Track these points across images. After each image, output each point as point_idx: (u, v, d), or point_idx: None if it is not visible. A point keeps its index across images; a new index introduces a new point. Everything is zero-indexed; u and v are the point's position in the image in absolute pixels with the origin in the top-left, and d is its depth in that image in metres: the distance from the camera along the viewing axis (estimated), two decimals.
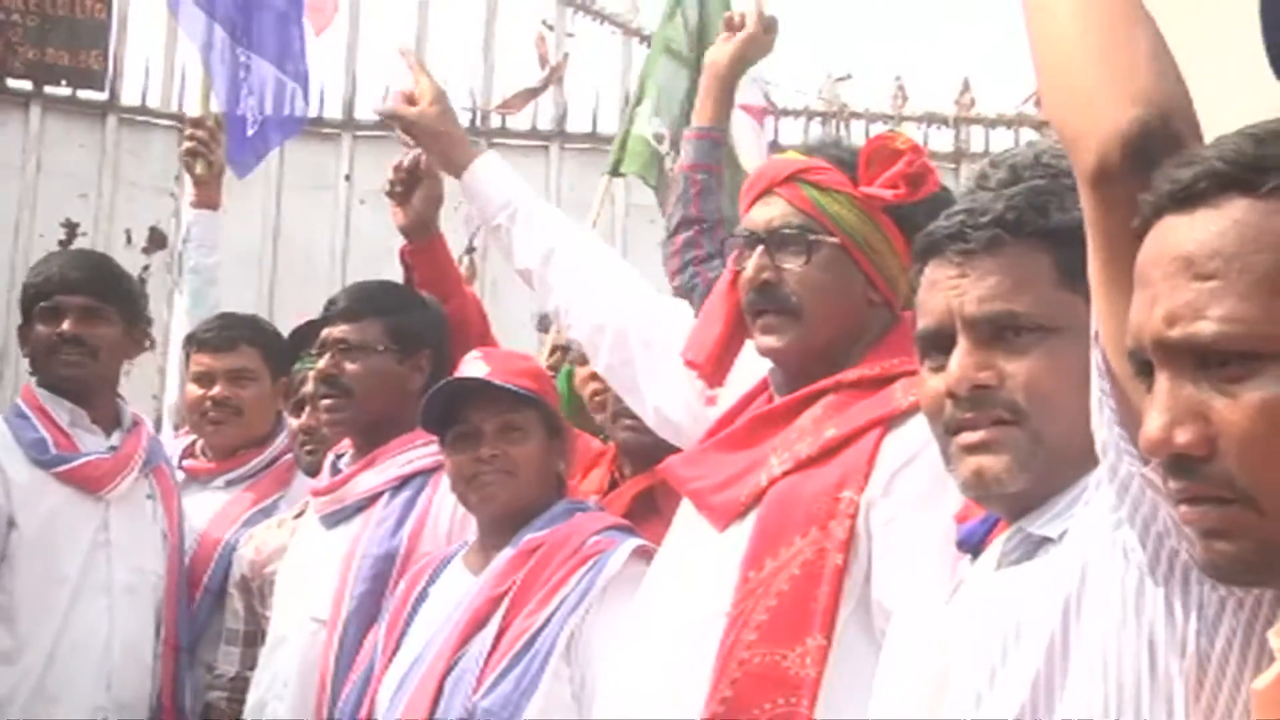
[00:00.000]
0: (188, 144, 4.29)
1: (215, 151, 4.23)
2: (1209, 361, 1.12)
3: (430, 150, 3.13)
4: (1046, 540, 1.53)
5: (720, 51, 3.08)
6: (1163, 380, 1.15)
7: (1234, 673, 1.23)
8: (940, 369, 1.63)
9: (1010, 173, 1.80)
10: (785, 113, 6.22)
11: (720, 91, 3.06)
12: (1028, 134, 5.99)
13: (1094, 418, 1.31)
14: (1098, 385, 1.31)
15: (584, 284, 2.80)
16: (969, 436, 1.60)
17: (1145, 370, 1.18)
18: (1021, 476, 1.57)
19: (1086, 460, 1.46)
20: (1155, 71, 1.29)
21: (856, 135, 6.09)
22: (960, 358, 1.61)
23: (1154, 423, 1.14)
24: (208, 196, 4.23)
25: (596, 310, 2.77)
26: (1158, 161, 1.23)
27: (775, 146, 5.70)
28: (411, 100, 3.04)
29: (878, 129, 6.02)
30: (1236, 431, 1.10)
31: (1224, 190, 1.13)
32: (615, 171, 4.72)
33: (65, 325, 3.33)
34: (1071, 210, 1.57)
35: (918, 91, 6.16)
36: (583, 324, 2.80)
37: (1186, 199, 1.15)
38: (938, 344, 1.64)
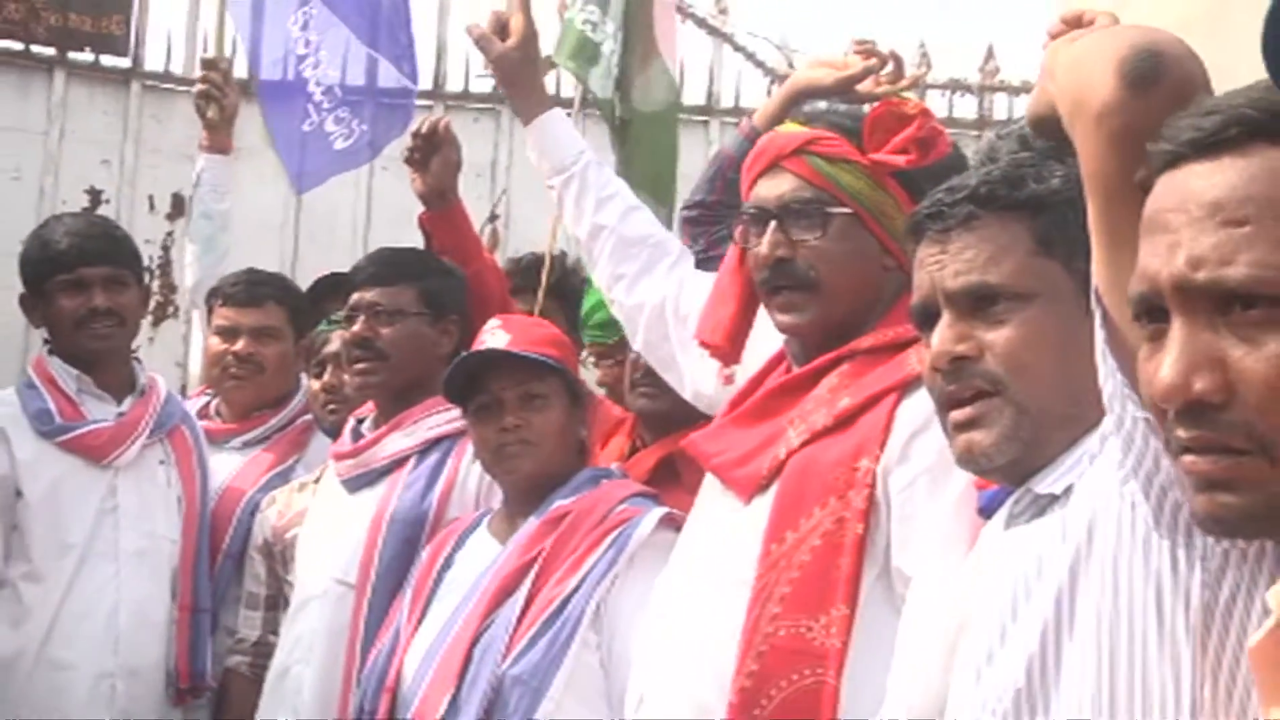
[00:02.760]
0: (200, 87, 4.26)
1: (228, 95, 4.19)
2: (1230, 308, 1.11)
3: (507, 89, 3.10)
4: (1053, 498, 1.55)
5: (810, 77, 3.07)
6: (1179, 326, 1.14)
7: (1239, 624, 1.23)
8: (927, 346, 1.67)
9: (1020, 144, 1.81)
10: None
11: (787, 105, 3.03)
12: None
13: (1099, 369, 1.32)
14: (1100, 336, 1.32)
15: (626, 264, 2.81)
16: (957, 414, 1.64)
17: (1152, 316, 1.17)
18: (1009, 448, 1.60)
19: (1077, 421, 1.51)
20: (1140, 29, 1.32)
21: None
22: (941, 331, 1.64)
23: (1169, 369, 1.13)
24: (219, 141, 4.19)
25: (637, 291, 2.78)
26: (1157, 81, 1.26)
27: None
28: (503, 31, 2.99)
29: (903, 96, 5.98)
30: (1259, 379, 1.10)
31: (1253, 138, 1.13)
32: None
33: (97, 299, 3.32)
34: (1050, 180, 1.65)
35: (942, 58, 6.10)
36: (625, 302, 2.82)
37: (1212, 146, 1.14)
38: (927, 320, 1.67)
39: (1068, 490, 1.51)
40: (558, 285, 3.79)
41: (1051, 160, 1.65)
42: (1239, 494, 1.12)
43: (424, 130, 3.43)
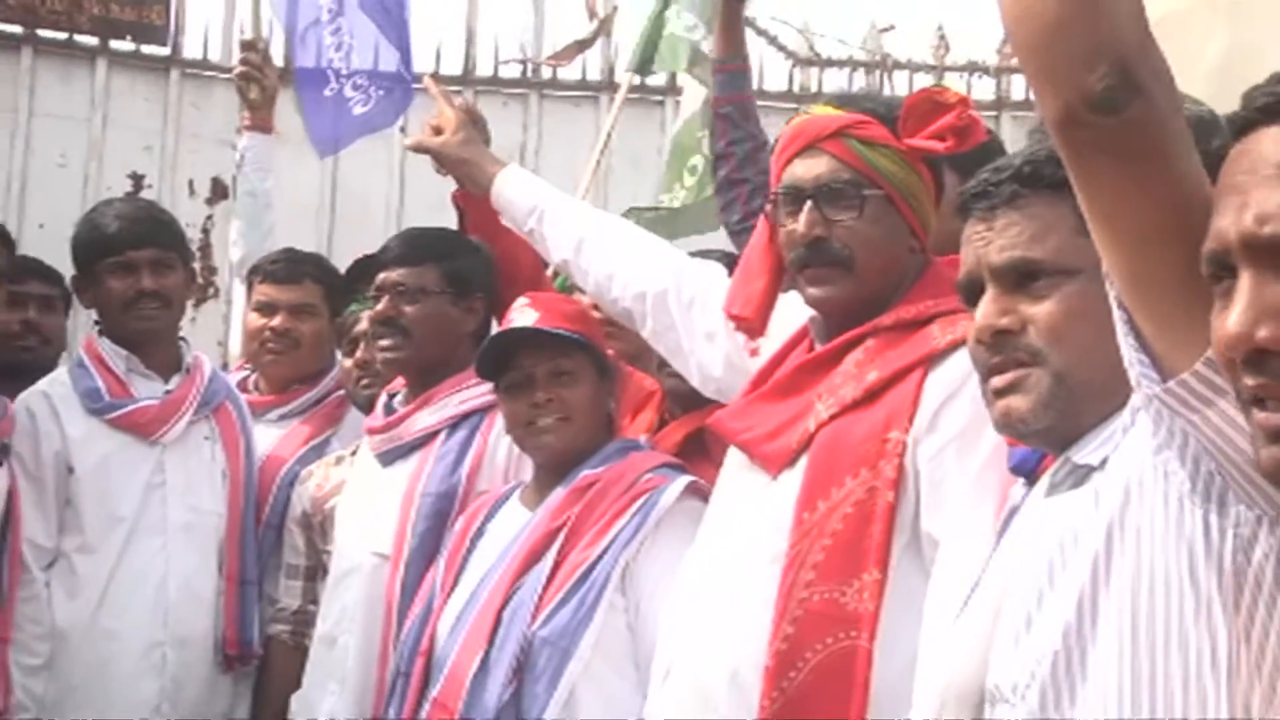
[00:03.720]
0: (240, 69, 4.29)
1: (268, 76, 4.21)
2: None
3: (456, 175, 3.16)
4: (1091, 468, 1.54)
5: None
6: (1246, 279, 1.15)
7: (1270, 587, 1.24)
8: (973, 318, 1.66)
9: (1034, 133, 1.79)
10: (829, 63, 6.17)
11: (728, 21, 3.05)
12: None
13: (1122, 351, 1.33)
14: (1117, 317, 1.33)
15: (618, 260, 2.80)
16: (997, 380, 1.63)
17: (1221, 274, 1.18)
18: (1046, 414, 1.60)
19: (1115, 392, 1.49)
20: (1118, 18, 1.28)
21: (900, 86, 6.06)
22: (985, 305, 1.64)
23: (1235, 319, 1.14)
24: (261, 120, 4.22)
25: (635, 281, 2.76)
26: (1121, 111, 1.24)
27: (817, 97, 5.69)
28: (438, 130, 3.10)
29: (921, 79, 5.99)
30: None
31: None
32: (642, 70, 4.69)
33: (145, 281, 3.35)
34: None
35: (959, 41, 6.09)
36: (625, 296, 2.79)
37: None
38: (972, 294, 1.68)
39: (1104, 461, 1.50)
40: None
41: None
42: None
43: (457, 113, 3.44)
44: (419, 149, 3.16)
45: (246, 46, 4.32)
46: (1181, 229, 1.24)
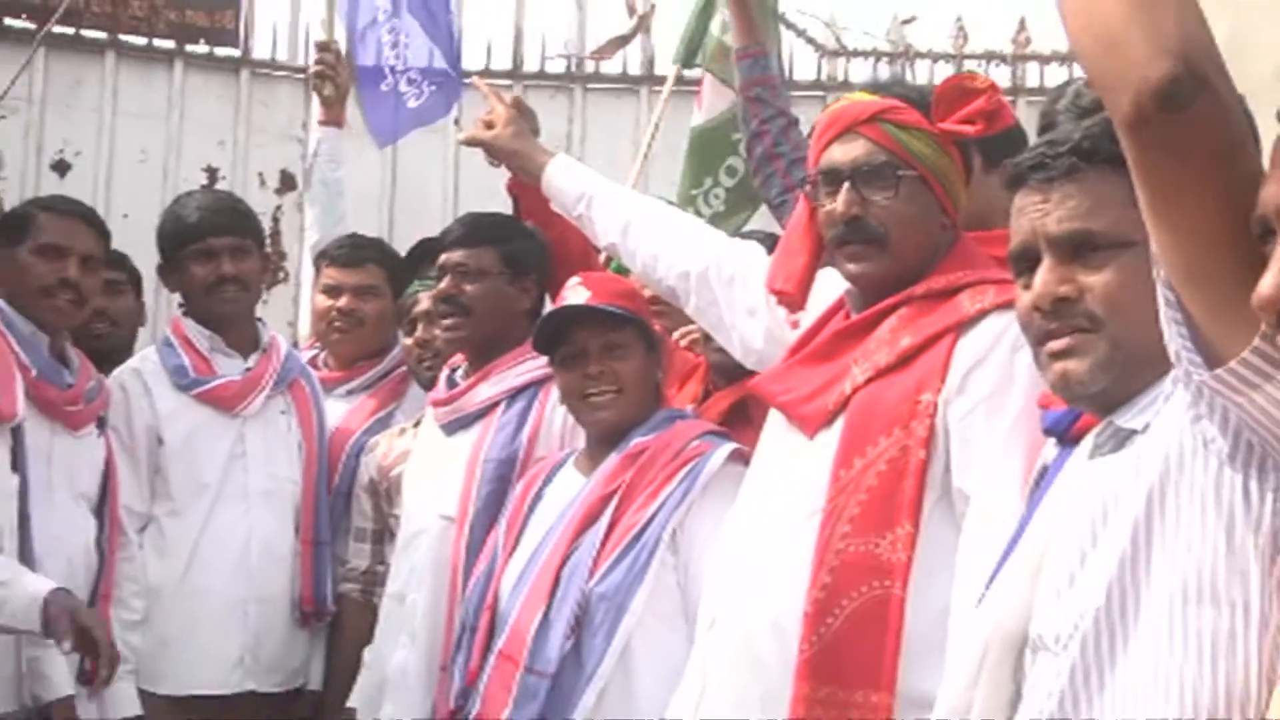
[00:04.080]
0: (315, 68, 4.31)
1: (340, 74, 4.22)
2: None
3: (509, 165, 3.15)
4: (1134, 432, 1.53)
5: None
6: None
7: None
8: (1029, 286, 1.63)
9: (1076, 99, 1.76)
10: (855, 53, 6.14)
11: (740, 11, 3.03)
12: (1079, 69, 5.87)
13: (1164, 330, 1.31)
14: (1163, 301, 1.31)
15: (663, 242, 2.79)
16: (1054, 344, 1.60)
17: (1266, 239, 1.17)
18: (1102, 378, 1.57)
19: (1163, 360, 1.44)
20: (1180, 19, 1.25)
21: (921, 74, 6.03)
22: (1044, 274, 1.61)
23: (1269, 281, 1.13)
24: (334, 115, 4.23)
25: (679, 261, 2.75)
26: (1187, 106, 1.21)
27: (844, 85, 5.66)
28: (490, 125, 3.08)
29: (941, 67, 5.96)
30: None
31: None
32: (687, 62, 4.70)
33: (225, 266, 3.37)
34: None
35: (977, 31, 6.05)
36: (670, 275, 2.77)
37: None
38: (1026, 262, 1.65)
39: (1146, 426, 1.49)
40: None
41: None
42: None
43: (509, 107, 3.43)
44: (472, 143, 3.16)
45: (321, 48, 4.32)
46: (1241, 222, 1.22)
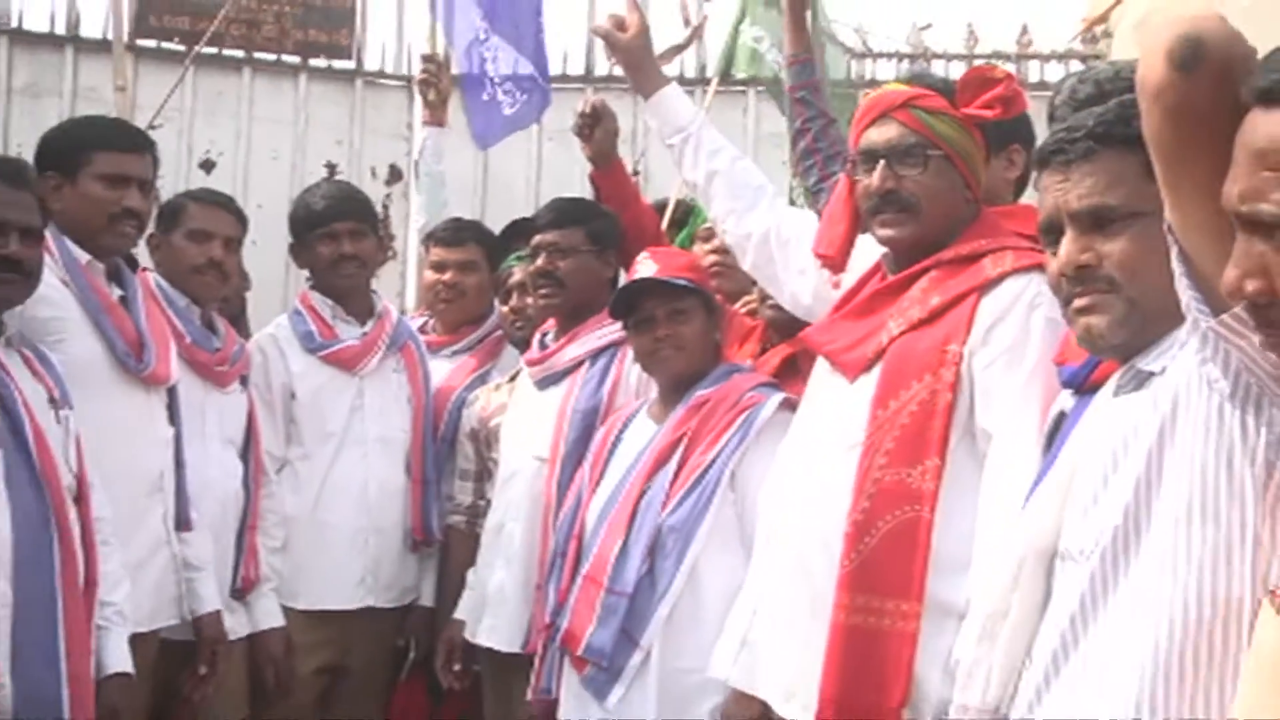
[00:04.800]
0: (421, 76, 4.29)
1: (443, 81, 4.21)
2: (1273, 232, 1.11)
3: (629, 72, 3.05)
4: (1152, 374, 1.53)
5: None
6: (1240, 239, 1.14)
7: None
8: (1056, 254, 1.64)
9: (1095, 87, 1.75)
10: (880, 55, 6.05)
11: (796, 22, 2.98)
12: (1075, 65, 5.79)
13: (1177, 283, 1.31)
14: (1175, 259, 1.30)
15: (737, 202, 2.78)
16: (1079, 302, 1.61)
17: (1256, 227, 1.15)
18: (1120, 331, 1.58)
19: (1176, 313, 1.44)
20: (1187, 14, 1.26)
21: (937, 72, 5.95)
22: (1067, 244, 1.61)
23: (1229, 274, 1.14)
24: (437, 117, 4.21)
25: (746, 224, 2.75)
26: (1193, 68, 1.22)
27: (873, 83, 5.59)
28: (621, 26, 2.97)
29: (955, 66, 5.88)
30: None
31: None
32: (726, 72, 4.67)
33: (346, 246, 3.37)
34: None
35: (985, 34, 5.96)
36: (736, 232, 2.79)
37: (1268, 98, 1.14)
38: (1053, 234, 1.65)
39: (1164, 370, 1.50)
40: (681, 219, 3.79)
41: None
42: None
43: (587, 110, 3.38)
44: (604, 35, 3.01)
45: (426, 59, 4.30)
46: None
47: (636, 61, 2.97)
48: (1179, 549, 1.34)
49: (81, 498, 2.46)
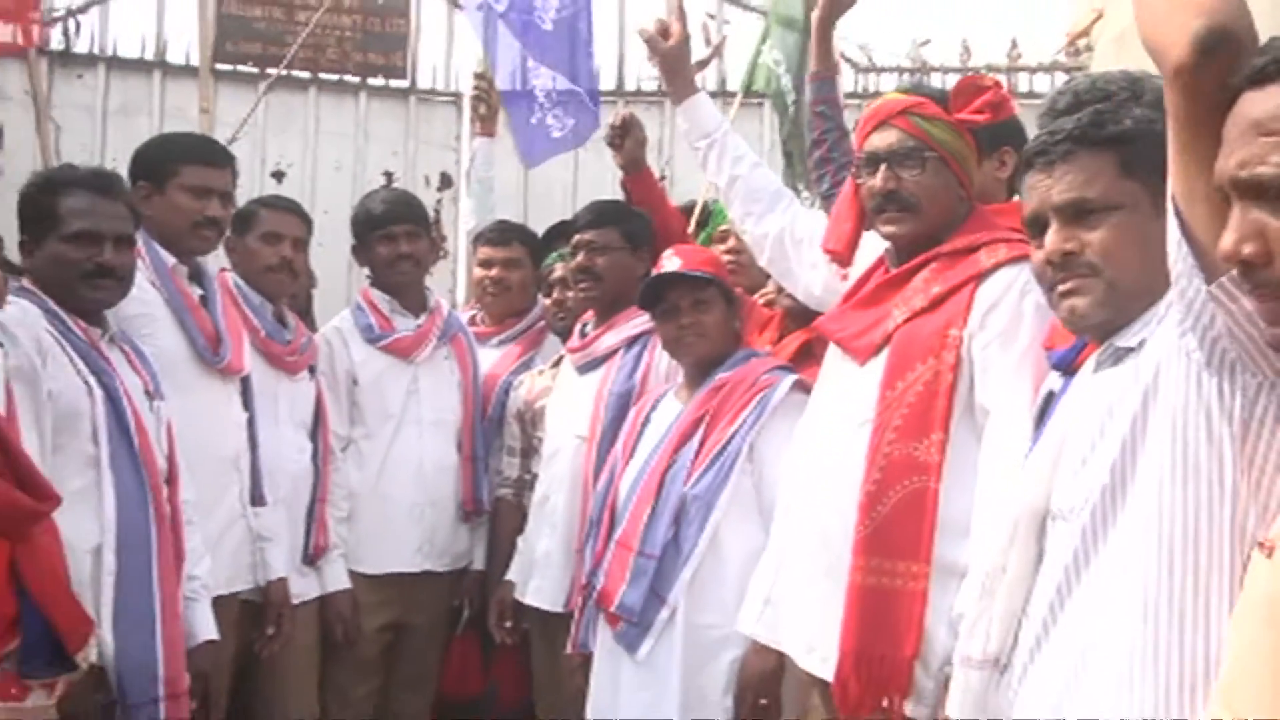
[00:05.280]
0: (473, 92, 4.29)
1: (493, 97, 4.20)
2: (1268, 195, 1.11)
3: (667, 76, 3.03)
4: (1129, 350, 1.53)
5: (817, 12, 2.95)
6: (1235, 209, 1.13)
7: (1268, 432, 1.25)
8: (1041, 245, 1.64)
9: (1074, 97, 1.73)
10: (882, 69, 6.00)
11: (822, 42, 2.95)
12: (1060, 76, 5.73)
13: (1171, 252, 1.29)
14: (1174, 227, 1.28)
15: (755, 205, 2.78)
16: (1063, 286, 1.61)
17: (1227, 202, 1.16)
18: (1101, 312, 1.57)
19: (1151, 296, 1.47)
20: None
21: (935, 84, 5.90)
22: (1052, 235, 1.61)
23: (1226, 238, 1.12)
24: (487, 128, 4.20)
25: (764, 223, 2.75)
26: (1219, 58, 1.20)
27: (874, 94, 5.55)
28: (665, 34, 2.96)
29: (951, 78, 5.82)
30: None
31: None
32: (748, 90, 4.64)
33: (402, 246, 3.36)
34: (1124, 121, 1.59)
35: (978, 49, 5.89)
36: (754, 232, 2.79)
37: (1260, 78, 1.14)
38: (1038, 228, 1.64)
39: (1141, 344, 1.49)
40: (703, 220, 3.77)
41: (1123, 107, 1.62)
42: None
43: (618, 122, 3.40)
44: (648, 40, 2.98)
45: (479, 77, 4.29)
46: None
47: (676, 67, 2.96)
48: (1163, 502, 1.33)
49: (171, 480, 2.48)
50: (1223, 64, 1.20)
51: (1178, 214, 1.27)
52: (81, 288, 2.39)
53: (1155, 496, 1.34)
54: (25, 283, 2.42)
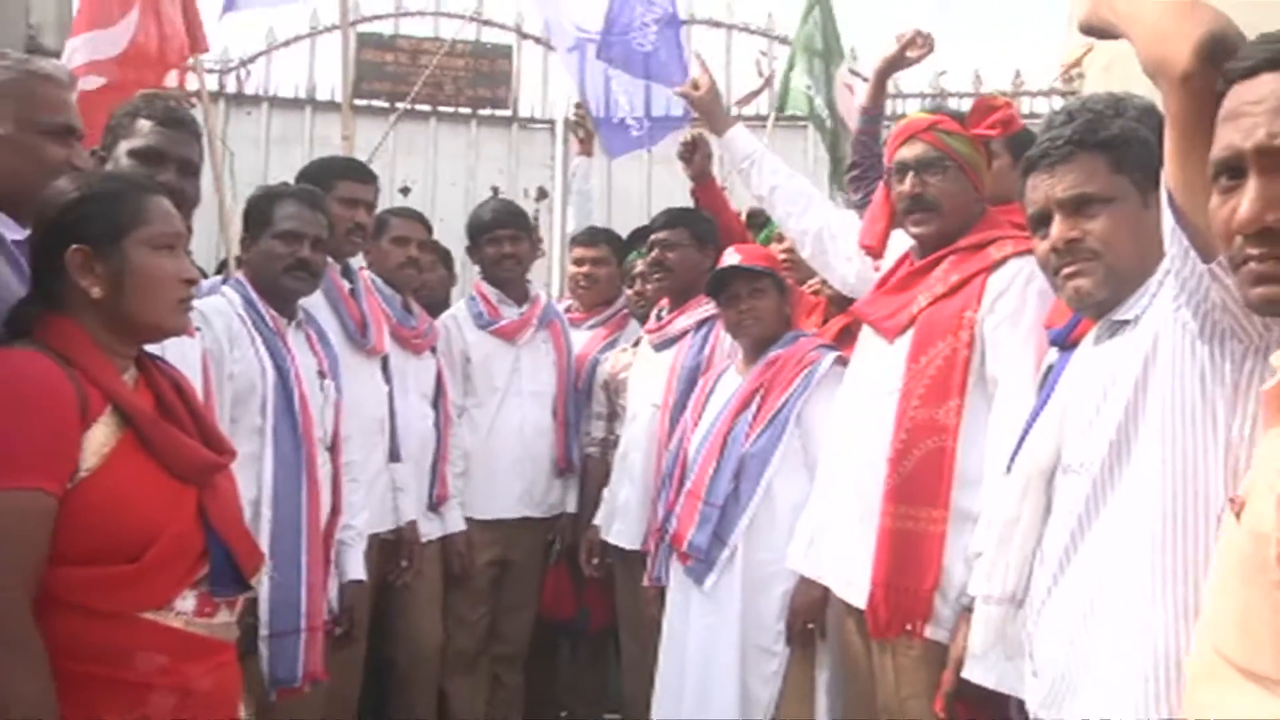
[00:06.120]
0: (574, 118, 4.31)
1: (587, 123, 4.20)
2: None
3: (703, 117, 3.04)
4: (1125, 323, 1.49)
5: (883, 57, 2.90)
6: (1255, 180, 1.06)
7: (1254, 391, 1.21)
8: (1045, 237, 1.61)
9: (1067, 115, 1.69)
10: (908, 95, 5.87)
11: (877, 87, 2.91)
12: (1057, 101, 5.57)
13: (1166, 237, 1.25)
14: (1168, 216, 1.24)
15: (794, 206, 2.74)
16: (1068, 270, 1.58)
17: (1231, 175, 1.09)
18: (1102, 291, 1.55)
19: (1141, 276, 1.45)
20: (1208, 11, 1.21)
21: (952, 106, 5.78)
22: (1057, 225, 1.58)
23: (1248, 206, 1.05)
24: (586, 149, 4.22)
25: (802, 221, 2.72)
26: (1219, 60, 1.15)
27: (900, 116, 5.44)
28: (696, 86, 2.98)
29: (964, 102, 5.69)
30: None
31: None
32: (781, 109, 4.58)
33: (507, 248, 3.37)
34: (1112, 128, 1.56)
35: (988, 77, 5.74)
36: (795, 229, 2.75)
37: (1268, 67, 1.08)
38: (1041, 222, 1.62)
39: (1136, 318, 1.46)
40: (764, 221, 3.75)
41: (1108, 117, 1.59)
42: None
43: (689, 140, 3.41)
44: (683, 94, 3.03)
45: (577, 106, 4.29)
46: None
47: (709, 110, 2.98)
48: (1165, 453, 1.29)
49: (334, 448, 2.54)
50: (1221, 66, 1.16)
51: (1172, 204, 1.23)
52: (284, 278, 2.48)
53: (1158, 450, 1.30)
54: (239, 275, 2.54)
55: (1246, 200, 1.06)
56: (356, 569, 2.61)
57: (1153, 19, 1.24)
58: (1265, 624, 0.98)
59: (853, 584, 2.20)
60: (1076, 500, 1.45)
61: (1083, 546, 1.44)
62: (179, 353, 1.87)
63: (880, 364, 2.24)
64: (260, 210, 2.53)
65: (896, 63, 2.87)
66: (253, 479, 2.28)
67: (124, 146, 2.08)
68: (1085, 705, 1.37)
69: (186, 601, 1.48)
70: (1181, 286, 1.24)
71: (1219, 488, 1.24)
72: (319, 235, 2.51)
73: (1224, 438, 1.24)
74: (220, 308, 2.39)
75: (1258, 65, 1.09)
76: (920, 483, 2.09)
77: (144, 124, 2.09)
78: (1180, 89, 1.21)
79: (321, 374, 2.54)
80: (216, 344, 2.31)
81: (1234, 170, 1.09)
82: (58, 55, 4.62)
